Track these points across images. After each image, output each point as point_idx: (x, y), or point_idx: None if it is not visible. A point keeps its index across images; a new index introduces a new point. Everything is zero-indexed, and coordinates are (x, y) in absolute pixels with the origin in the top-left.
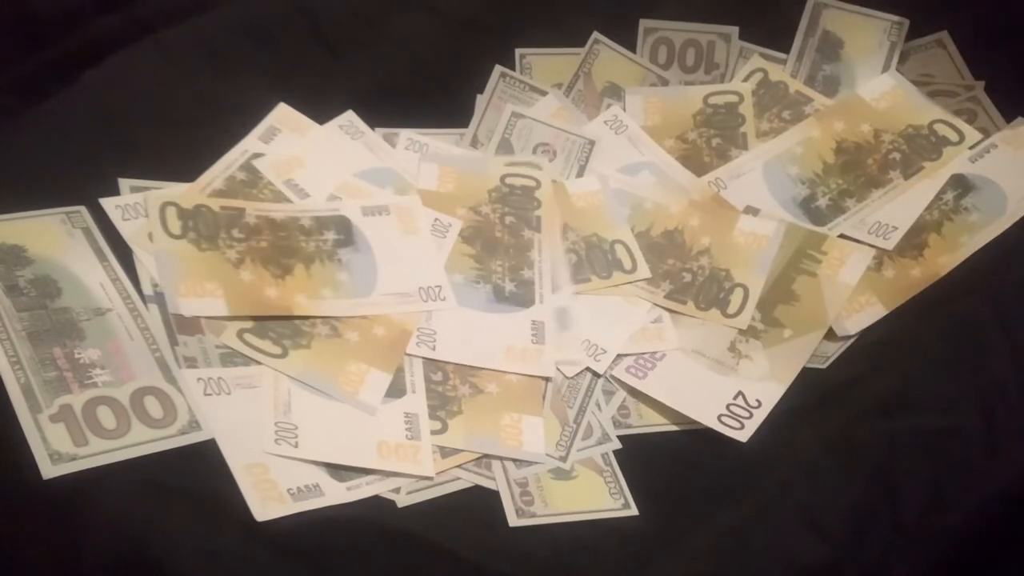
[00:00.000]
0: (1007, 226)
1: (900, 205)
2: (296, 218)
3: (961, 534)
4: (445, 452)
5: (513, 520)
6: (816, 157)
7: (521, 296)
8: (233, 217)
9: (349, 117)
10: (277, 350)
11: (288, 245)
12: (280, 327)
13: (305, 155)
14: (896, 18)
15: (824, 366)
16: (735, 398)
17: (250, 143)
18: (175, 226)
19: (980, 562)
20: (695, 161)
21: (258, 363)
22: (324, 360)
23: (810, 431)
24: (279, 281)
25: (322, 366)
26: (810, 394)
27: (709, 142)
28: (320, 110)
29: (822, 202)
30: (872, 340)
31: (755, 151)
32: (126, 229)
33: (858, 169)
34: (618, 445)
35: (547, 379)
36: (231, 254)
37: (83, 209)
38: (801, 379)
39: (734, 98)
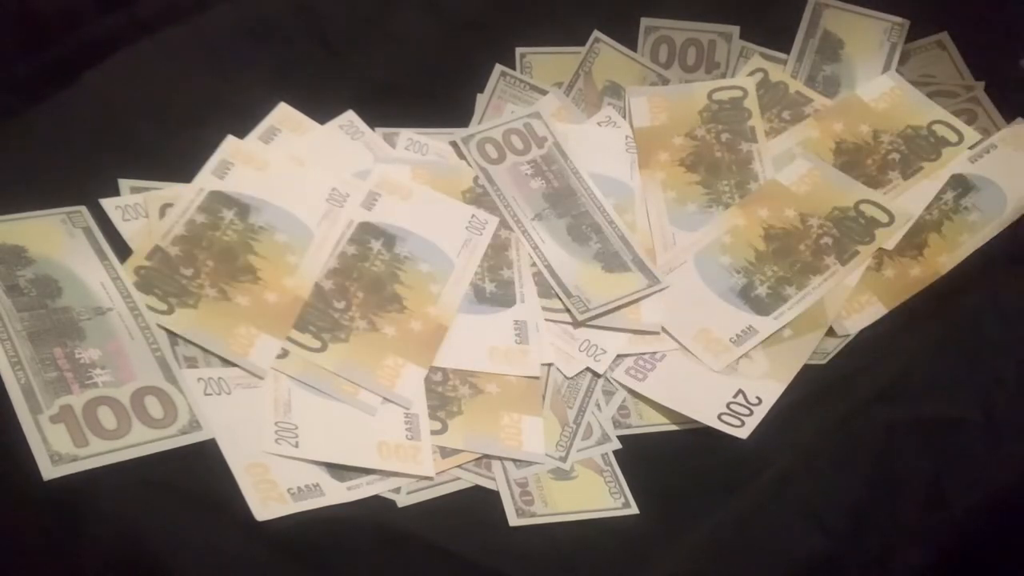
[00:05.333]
0: (1007, 226)
1: (900, 205)
2: None
3: (961, 526)
4: (445, 452)
5: (513, 520)
6: (816, 158)
7: None
8: None
9: (349, 117)
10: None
11: None
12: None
13: (305, 155)
14: (896, 19)
15: (824, 362)
16: (735, 396)
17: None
18: None
19: (981, 555)
20: (706, 157)
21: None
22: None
23: (810, 424)
24: None
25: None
26: (810, 389)
27: (719, 137)
28: (320, 110)
29: None
30: (872, 335)
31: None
32: (126, 229)
33: (857, 169)
34: (618, 445)
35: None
36: None
37: (83, 209)
38: (801, 375)
39: (738, 93)
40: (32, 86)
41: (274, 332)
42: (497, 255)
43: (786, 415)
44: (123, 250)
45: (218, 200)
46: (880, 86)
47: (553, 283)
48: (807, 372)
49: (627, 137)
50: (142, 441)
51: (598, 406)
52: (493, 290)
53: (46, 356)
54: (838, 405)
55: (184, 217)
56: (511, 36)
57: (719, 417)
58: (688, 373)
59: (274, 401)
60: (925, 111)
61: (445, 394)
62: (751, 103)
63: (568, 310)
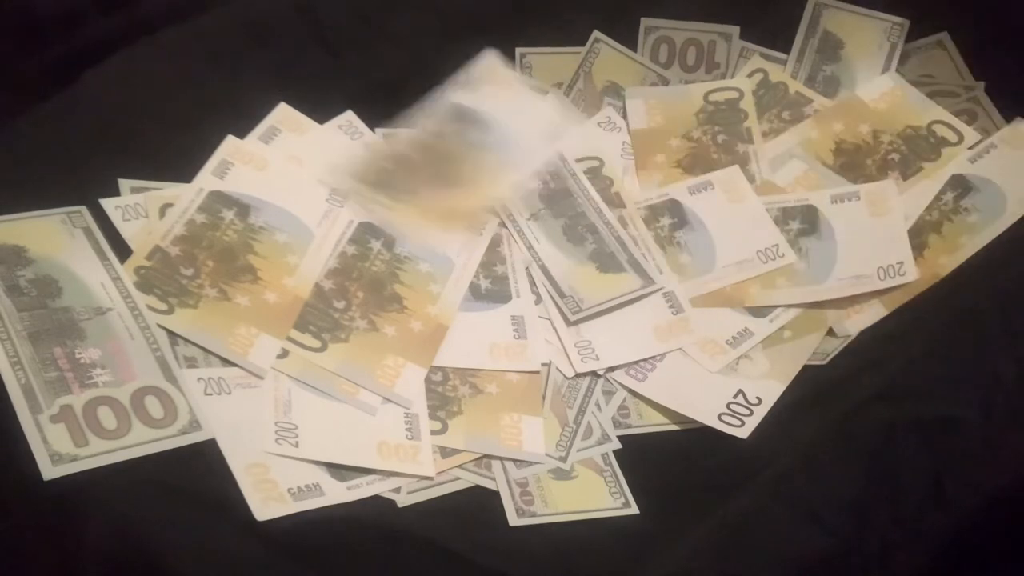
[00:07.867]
0: (1007, 226)
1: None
2: None
3: (961, 526)
4: (445, 452)
5: (513, 520)
6: (815, 159)
7: None
8: None
9: (349, 117)
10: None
11: None
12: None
13: (305, 155)
14: (896, 19)
15: (824, 362)
16: (735, 396)
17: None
18: None
19: (980, 553)
20: (703, 159)
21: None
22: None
23: (810, 424)
24: None
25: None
26: (810, 389)
27: (715, 139)
28: (320, 110)
29: None
30: (872, 336)
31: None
32: (126, 229)
33: (857, 170)
34: (618, 445)
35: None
36: None
37: (83, 209)
38: (801, 375)
39: (734, 94)
40: (32, 86)
41: (274, 332)
42: (490, 251)
43: (786, 415)
44: (123, 250)
45: (218, 200)
46: (880, 86)
47: (547, 283)
48: (807, 372)
49: (624, 143)
50: (142, 441)
51: (598, 406)
52: (489, 286)
53: (46, 356)
54: (838, 405)
55: (184, 217)
56: (511, 36)
57: (719, 417)
58: (688, 373)
59: (274, 401)
60: (925, 111)
61: (445, 394)
62: (747, 104)
63: (560, 310)
